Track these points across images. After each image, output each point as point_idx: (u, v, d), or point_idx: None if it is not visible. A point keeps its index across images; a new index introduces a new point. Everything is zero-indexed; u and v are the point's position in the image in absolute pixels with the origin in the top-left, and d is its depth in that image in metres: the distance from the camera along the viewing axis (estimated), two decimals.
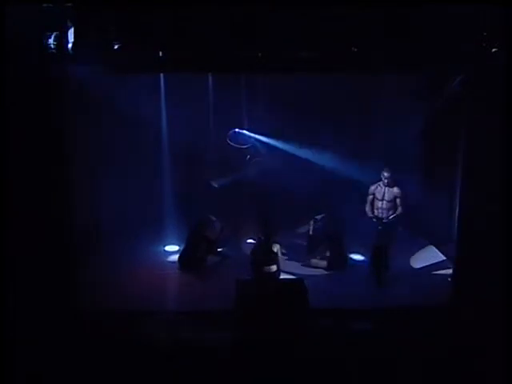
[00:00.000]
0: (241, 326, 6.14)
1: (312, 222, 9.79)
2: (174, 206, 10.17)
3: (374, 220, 8.61)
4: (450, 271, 8.70)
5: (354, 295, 8.22)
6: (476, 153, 7.32)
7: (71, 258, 7.43)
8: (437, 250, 9.89)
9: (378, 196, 8.64)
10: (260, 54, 7.12)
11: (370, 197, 8.73)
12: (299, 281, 7.06)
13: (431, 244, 10.11)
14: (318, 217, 9.70)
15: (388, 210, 8.58)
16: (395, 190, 8.55)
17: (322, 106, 10.33)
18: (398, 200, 8.57)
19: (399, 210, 8.54)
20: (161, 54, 7.22)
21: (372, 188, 8.73)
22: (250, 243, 9.98)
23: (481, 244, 7.31)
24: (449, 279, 8.39)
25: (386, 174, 8.55)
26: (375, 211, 8.67)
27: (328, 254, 9.33)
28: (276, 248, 9.02)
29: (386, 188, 8.57)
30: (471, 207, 7.48)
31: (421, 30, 6.85)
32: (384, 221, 8.50)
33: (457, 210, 8.00)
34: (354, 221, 9.09)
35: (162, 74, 9.81)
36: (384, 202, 8.59)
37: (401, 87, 9.82)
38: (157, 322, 7.07)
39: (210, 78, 10.24)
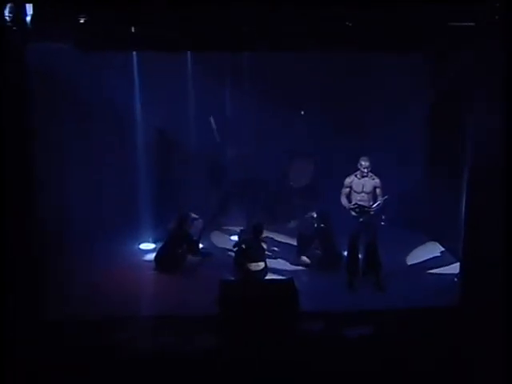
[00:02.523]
0: (225, 331, 6.08)
1: (303, 220, 9.53)
2: (149, 201, 9.80)
3: (353, 213, 8.02)
4: (447, 267, 8.72)
5: (347, 295, 7.99)
6: (479, 149, 7.15)
7: (39, 262, 7.03)
8: (439, 245, 9.77)
9: (356, 189, 8.06)
10: (245, 29, 6.60)
11: (347, 189, 8.14)
12: (289, 281, 6.92)
13: (435, 240, 9.92)
14: (309, 214, 9.34)
15: (368, 201, 8.03)
16: (374, 180, 8.00)
17: (314, 93, 9.96)
18: (377, 190, 8.02)
19: (380, 198, 7.97)
20: (133, 29, 6.76)
21: (348, 180, 8.13)
22: (234, 240, 9.74)
23: (488, 243, 7.01)
24: (455, 279, 8.19)
25: (363, 164, 7.94)
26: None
27: (319, 252, 9.08)
28: (265, 244, 8.82)
29: (364, 179, 8.00)
30: (477, 205, 7.26)
31: (420, 18, 6.66)
32: (366, 209, 7.92)
33: (462, 208, 7.77)
34: (347, 217, 8.53)
35: (134, 53, 9.33)
36: (363, 194, 8.02)
37: (401, 80, 9.57)
38: (135, 327, 6.80)
39: (189, 58, 9.78)
